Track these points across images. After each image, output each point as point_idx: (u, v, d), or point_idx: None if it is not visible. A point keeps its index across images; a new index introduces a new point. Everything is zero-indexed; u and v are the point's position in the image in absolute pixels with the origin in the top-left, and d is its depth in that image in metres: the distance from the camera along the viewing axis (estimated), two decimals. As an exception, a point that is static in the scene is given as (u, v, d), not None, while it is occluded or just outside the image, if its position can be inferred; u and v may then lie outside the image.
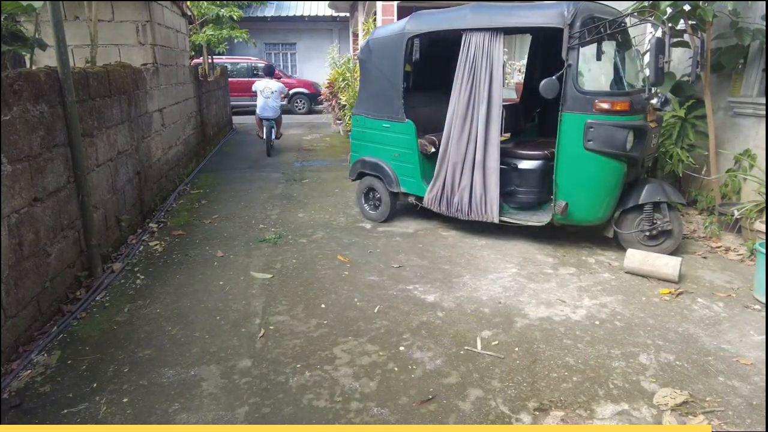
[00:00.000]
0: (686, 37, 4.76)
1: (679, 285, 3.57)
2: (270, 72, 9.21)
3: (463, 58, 4.21)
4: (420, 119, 4.66)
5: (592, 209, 3.99)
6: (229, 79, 13.44)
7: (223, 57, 14.92)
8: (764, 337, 2.92)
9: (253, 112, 16.01)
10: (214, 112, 9.85)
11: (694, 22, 4.46)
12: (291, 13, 19.87)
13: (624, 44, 4.21)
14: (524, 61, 7.30)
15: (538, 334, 2.96)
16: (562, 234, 4.48)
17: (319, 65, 18.81)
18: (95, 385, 2.51)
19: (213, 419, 2.27)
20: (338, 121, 11.23)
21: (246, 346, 2.85)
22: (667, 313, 3.21)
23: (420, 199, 4.70)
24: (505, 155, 4.32)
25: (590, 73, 3.98)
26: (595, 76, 4.04)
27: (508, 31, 4.25)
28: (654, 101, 4.12)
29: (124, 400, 2.40)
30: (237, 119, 13.52)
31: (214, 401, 2.39)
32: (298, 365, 2.66)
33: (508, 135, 5.28)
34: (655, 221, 3.97)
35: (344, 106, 9.91)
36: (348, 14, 16.44)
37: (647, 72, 4.01)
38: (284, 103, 7.18)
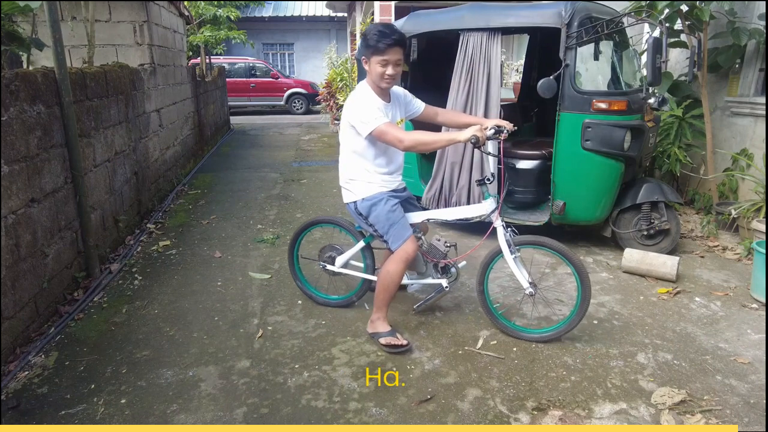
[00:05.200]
0: (683, 37, 4.78)
1: (677, 284, 3.58)
2: None
3: (461, 59, 4.22)
4: (417, 119, 4.66)
5: (589, 209, 4.00)
6: (227, 80, 13.45)
7: (221, 57, 14.93)
8: (762, 335, 2.93)
9: (251, 113, 16.14)
10: (211, 112, 9.83)
11: (691, 22, 4.47)
12: (288, 13, 19.88)
13: (621, 44, 4.22)
14: (522, 61, 7.31)
15: (536, 333, 2.96)
16: (560, 233, 4.48)
17: (316, 65, 18.84)
18: (93, 386, 2.50)
19: (211, 420, 2.27)
20: (336, 122, 11.23)
21: (244, 346, 2.85)
22: (665, 313, 3.21)
23: (418, 198, 4.70)
24: (503, 155, 4.33)
25: (588, 73, 3.98)
26: (592, 76, 4.05)
27: (506, 31, 4.25)
28: (651, 101, 4.14)
29: (122, 401, 2.39)
30: (235, 119, 13.51)
31: (213, 402, 2.39)
32: (297, 366, 2.66)
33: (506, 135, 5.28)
34: (652, 221, 3.98)
35: (342, 106, 9.91)
36: (346, 14, 16.45)
37: (645, 72, 4.02)
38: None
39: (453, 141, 2.62)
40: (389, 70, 2.60)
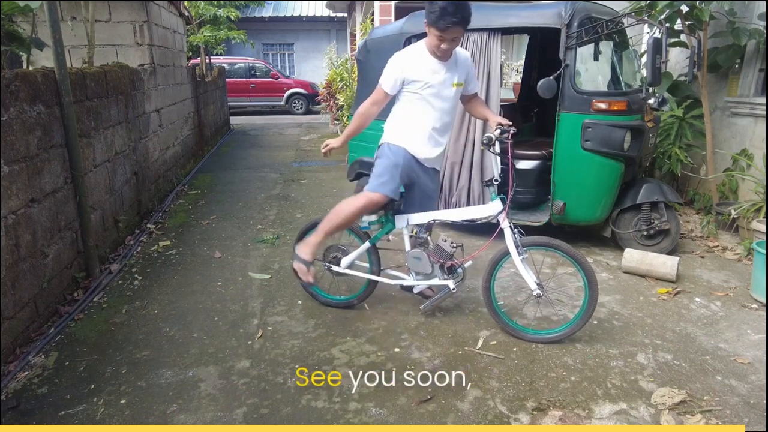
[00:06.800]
0: (683, 37, 4.78)
1: (677, 284, 3.58)
2: None
3: (461, 59, 4.21)
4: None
5: (589, 209, 4.00)
6: (227, 80, 13.45)
7: (221, 57, 14.93)
8: (762, 335, 2.93)
9: (251, 113, 16.14)
10: (211, 112, 9.83)
11: (690, 22, 4.48)
12: (288, 14, 19.88)
13: (621, 44, 4.22)
14: (522, 61, 7.31)
15: (536, 333, 2.96)
16: (559, 234, 4.47)
17: (316, 65, 18.83)
18: (93, 386, 2.50)
19: (211, 420, 2.27)
20: (336, 122, 11.23)
21: (244, 346, 2.85)
22: (665, 313, 3.21)
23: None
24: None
25: (588, 73, 3.99)
26: (592, 76, 4.05)
27: (506, 32, 4.26)
28: (651, 101, 4.13)
29: (122, 401, 2.39)
30: (235, 119, 13.51)
31: (213, 402, 2.38)
32: (297, 366, 2.65)
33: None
34: (652, 221, 3.98)
35: (342, 106, 9.91)
36: (346, 14, 16.45)
37: (645, 72, 4.02)
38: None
39: (341, 141, 2.98)
40: (444, 45, 2.64)
